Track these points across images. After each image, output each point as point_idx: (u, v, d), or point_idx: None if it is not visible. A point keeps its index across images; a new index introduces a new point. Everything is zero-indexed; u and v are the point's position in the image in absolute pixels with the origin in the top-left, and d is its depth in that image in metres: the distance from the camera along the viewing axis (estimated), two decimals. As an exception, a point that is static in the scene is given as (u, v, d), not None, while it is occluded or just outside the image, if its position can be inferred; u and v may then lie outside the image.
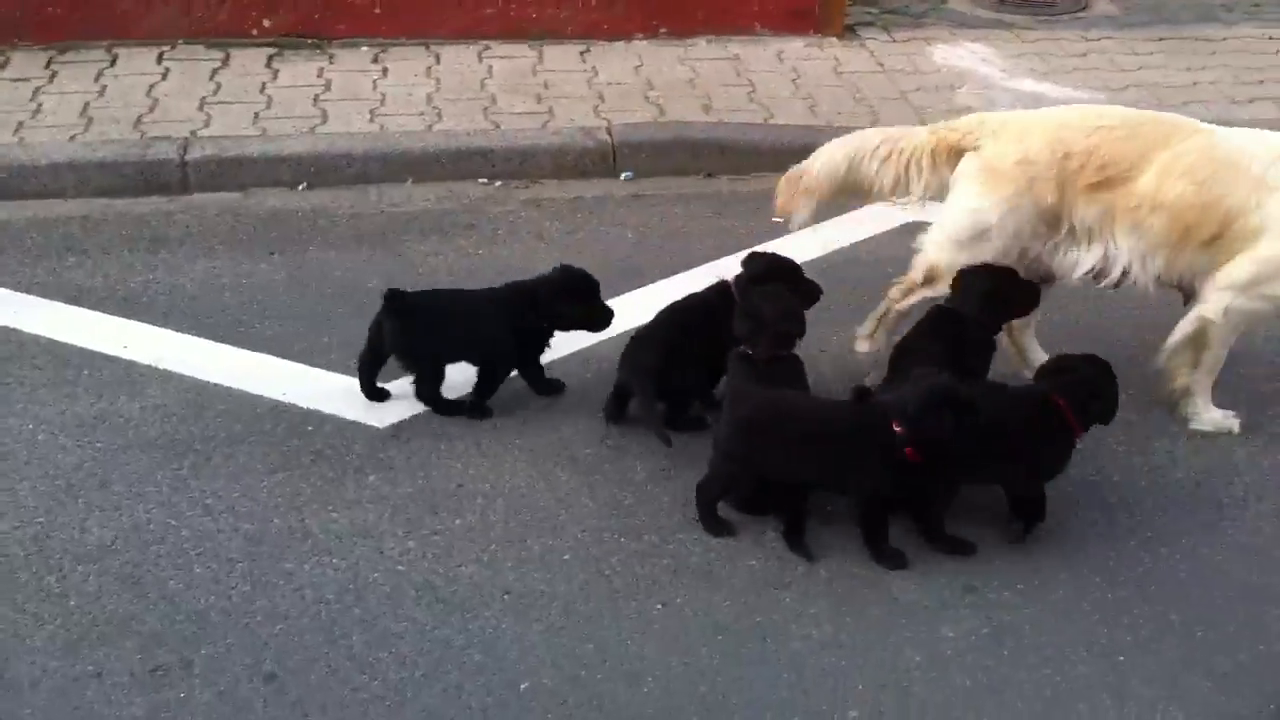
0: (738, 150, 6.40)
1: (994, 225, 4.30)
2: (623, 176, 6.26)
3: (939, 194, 4.50)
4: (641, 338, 4.31)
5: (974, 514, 3.90)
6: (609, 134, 6.35)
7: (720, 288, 4.36)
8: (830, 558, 3.78)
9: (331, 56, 7.18)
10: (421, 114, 6.54)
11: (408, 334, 4.29)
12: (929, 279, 4.48)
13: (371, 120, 6.46)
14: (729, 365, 4.12)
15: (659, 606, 3.60)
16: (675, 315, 4.34)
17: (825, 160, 4.56)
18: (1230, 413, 4.46)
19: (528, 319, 4.40)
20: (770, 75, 7.19)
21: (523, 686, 3.33)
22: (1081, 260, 4.32)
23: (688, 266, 5.39)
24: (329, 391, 4.49)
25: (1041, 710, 3.30)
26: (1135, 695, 3.34)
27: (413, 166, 6.16)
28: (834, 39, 7.73)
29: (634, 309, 4.75)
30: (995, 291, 4.20)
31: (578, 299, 4.43)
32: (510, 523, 3.91)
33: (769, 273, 4.27)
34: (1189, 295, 4.37)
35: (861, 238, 5.75)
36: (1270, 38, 8.08)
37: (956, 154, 4.44)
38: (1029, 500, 3.89)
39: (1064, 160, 4.23)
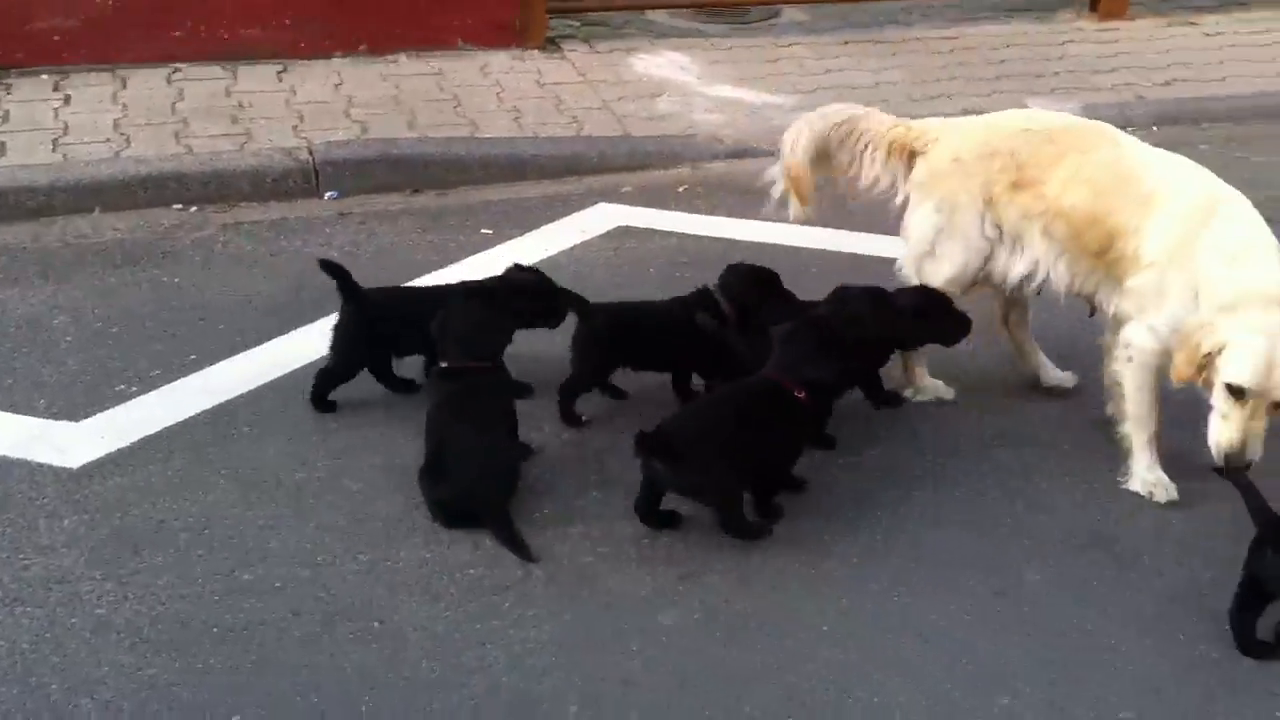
0: (443, 165, 6.39)
1: (945, 226, 4.39)
2: (326, 196, 6.15)
3: (887, 188, 4.58)
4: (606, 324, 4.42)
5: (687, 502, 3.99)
6: (310, 153, 6.23)
7: (703, 291, 4.51)
8: (549, 559, 3.80)
9: (9, 86, 6.82)
10: (108, 141, 6.28)
11: (364, 332, 4.36)
12: None
13: (54, 150, 6.16)
14: (428, 382, 4.14)
15: (377, 624, 3.55)
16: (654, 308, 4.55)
17: (795, 145, 4.62)
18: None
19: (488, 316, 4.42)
20: (474, 89, 7.21)
21: (235, 719, 3.22)
22: (1015, 265, 4.37)
23: (398, 282, 5.32)
24: (16, 435, 4.25)
25: (753, 682, 3.39)
26: (839, 662, 3.48)
27: (100, 195, 5.91)
28: (536, 51, 7.82)
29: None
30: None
31: (535, 297, 4.47)
32: (217, 556, 3.78)
33: (751, 283, 4.46)
34: (1093, 308, 4.39)
35: (570, 245, 5.81)
36: (945, 37, 8.60)
37: (909, 155, 4.50)
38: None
39: (989, 158, 4.31)
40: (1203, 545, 3.95)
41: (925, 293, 4.46)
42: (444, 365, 4.10)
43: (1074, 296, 4.39)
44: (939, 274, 4.47)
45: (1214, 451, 3.83)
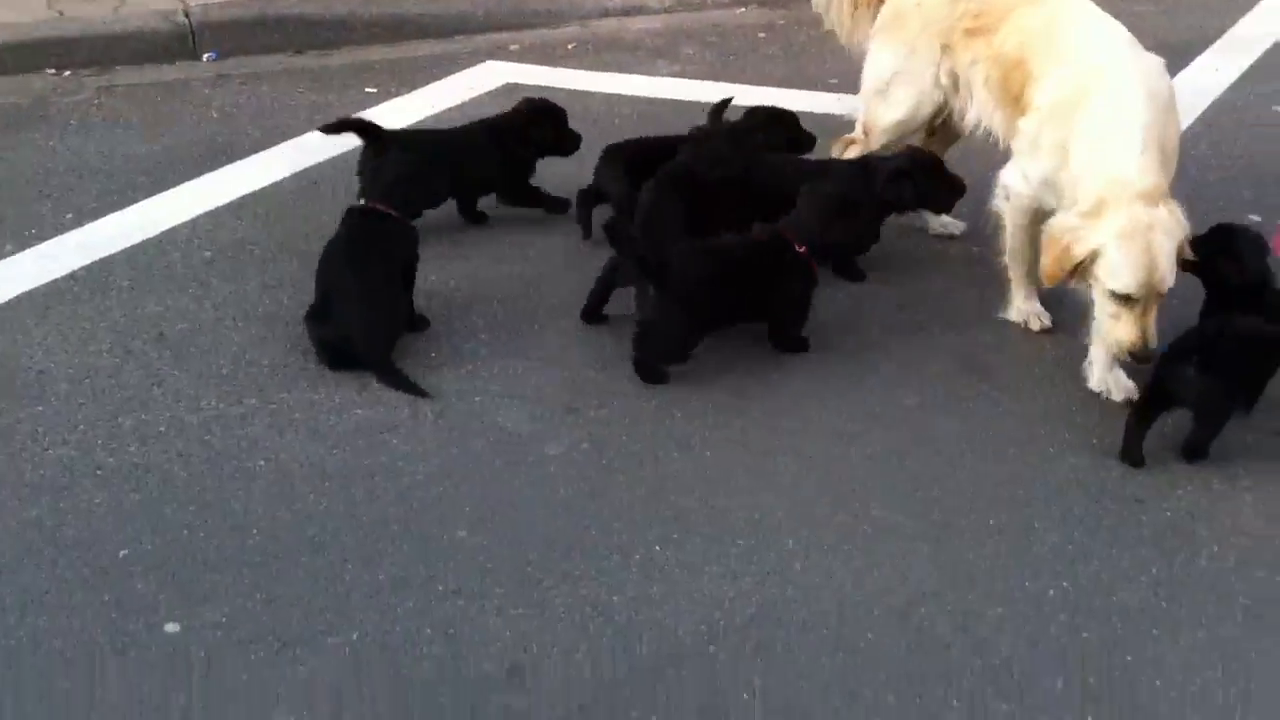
0: (326, 25, 6.30)
1: (902, 69, 4.45)
2: (205, 58, 6.02)
3: (859, 41, 4.69)
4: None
5: (573, 337, 4.02)
6: (186, 16, 6.09)
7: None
8: (439, 398, 3.83)
9: None
10: (-25, 8, 6.08)
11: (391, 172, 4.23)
12: (865, 132, 4.66)
13: (-82, 16, 5.95)
14: (345, 221, 4.10)
15: (263, 463, 3.56)
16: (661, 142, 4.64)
17: None
18: None
19: (510, 149, 4.58)
20: (357, -50, 7.05)
21: (122, 554, 3.22)
22: (968, 113, 4.41)
23: (280, 141, 5.26)
24: (-114, 295, 4.17)
25: (637, 505, 3.47)
26: (722, 484, 3.56)
27: (-31, 62, 5.74)
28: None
29: (226, 186, 4.62)
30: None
31: (548, 125, 4.64)
32: (99, 403, 3.75)
33: (769, 122, 4.63)
34: None
35: (458, 102, 5.76)
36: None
37: (878, 1, 4.58)
38: None
39: (952, 3, 4.36)
40: (1074, 369, 4.06)
41: (912, 154, 4.47)
42: (361, 203, 4.09)
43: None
44: (888, 116, 4.56)
45: (1117, 351, 3.85)
